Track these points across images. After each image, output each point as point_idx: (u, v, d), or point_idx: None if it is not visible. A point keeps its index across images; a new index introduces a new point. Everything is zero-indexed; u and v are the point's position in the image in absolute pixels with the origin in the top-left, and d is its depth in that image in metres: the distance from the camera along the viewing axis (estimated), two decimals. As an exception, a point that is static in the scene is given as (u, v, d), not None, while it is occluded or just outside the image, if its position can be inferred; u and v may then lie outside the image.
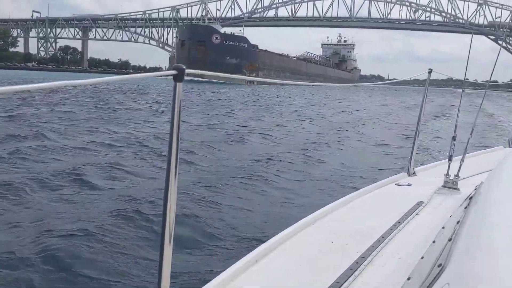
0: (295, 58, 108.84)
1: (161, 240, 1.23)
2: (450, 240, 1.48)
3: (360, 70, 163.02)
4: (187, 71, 1.20)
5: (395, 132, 15.20)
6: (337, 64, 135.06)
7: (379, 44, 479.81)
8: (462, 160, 2.76)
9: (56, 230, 4.41)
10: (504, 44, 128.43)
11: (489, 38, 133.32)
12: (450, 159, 2.84)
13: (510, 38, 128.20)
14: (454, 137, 2.92)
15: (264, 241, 1.91)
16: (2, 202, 5.32)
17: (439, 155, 9.74)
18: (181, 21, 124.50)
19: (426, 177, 3.23)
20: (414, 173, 3.29)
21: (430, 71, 3.29)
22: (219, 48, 79.12)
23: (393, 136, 14.13)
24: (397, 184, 3.00)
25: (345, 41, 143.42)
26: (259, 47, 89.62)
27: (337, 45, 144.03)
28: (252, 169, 7.80)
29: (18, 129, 11.10)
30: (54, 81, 0.97)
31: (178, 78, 1.17)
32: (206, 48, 78.95)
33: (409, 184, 2.99)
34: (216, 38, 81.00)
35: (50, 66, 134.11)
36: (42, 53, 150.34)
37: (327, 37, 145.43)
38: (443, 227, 1.77)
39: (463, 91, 3.49)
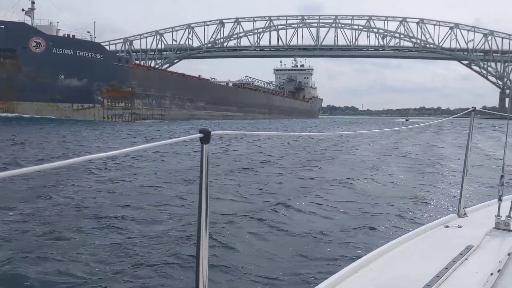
0: (226, 84, 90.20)
1: None
2: None
3: (321, 99, 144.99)
4: (213, 133, 1.22)
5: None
6: (292, 92, 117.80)
7: (352, 76, 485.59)
8: None
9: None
10: (477, 69, 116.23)
11: (462, 63, 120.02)
12: (500, 199, 2.74)
13: (485, 62, 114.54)
14: (502, 176, 2.83)
15: None
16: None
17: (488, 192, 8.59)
18: (134, 53, 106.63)
19: (478, 218, 3.07)
20: (464, 213, 3.12)
21: (474, 109, 3.24)
22: (44, 61, 45.83)
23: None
24: (447, 227, 2.85)
25: (301, 65, 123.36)
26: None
27: (292, 70, 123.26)
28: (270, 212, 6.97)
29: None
30: None
31: (205, 140, 1.20)
32: (18, 61, 45.85)
33: (459, 226, 2.85)
34: (38, 43, 46.90)
35: None
36: None
37: (280, 62, 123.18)
38: (491, 274, 1.78)
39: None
